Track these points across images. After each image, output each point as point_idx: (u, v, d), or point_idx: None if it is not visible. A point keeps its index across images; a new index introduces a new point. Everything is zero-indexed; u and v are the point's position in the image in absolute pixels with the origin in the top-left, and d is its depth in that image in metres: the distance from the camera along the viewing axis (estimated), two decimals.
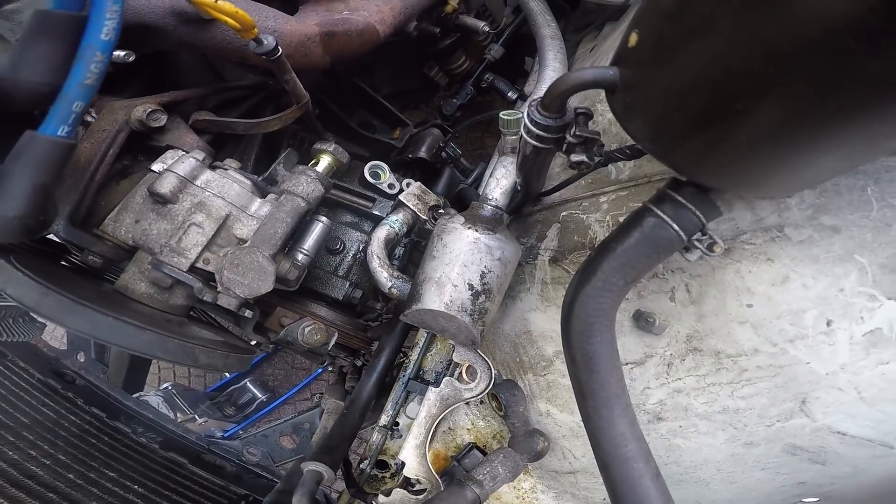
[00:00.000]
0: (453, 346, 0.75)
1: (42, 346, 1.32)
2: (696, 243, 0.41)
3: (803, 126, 0.29)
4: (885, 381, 0.44)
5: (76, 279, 0.56)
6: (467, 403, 0.77)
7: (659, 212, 0.39)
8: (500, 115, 0.58)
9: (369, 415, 1.00)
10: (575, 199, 0.62)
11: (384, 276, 0.65)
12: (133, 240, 0.53)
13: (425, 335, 0.89)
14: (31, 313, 0.99)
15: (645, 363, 0.54)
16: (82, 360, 1.33)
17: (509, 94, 1.07)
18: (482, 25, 1.06)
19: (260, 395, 1.59)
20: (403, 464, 0.75)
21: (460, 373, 0.70)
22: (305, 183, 0.57)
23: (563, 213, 0.63)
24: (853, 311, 0.42)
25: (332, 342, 0.70)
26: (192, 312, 0.61)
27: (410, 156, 0.98)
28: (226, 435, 1.36)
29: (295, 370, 1.67)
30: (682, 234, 0.39)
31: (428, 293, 0.58)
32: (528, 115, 0.43)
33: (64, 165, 0.36)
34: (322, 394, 1.48)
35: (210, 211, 0.51)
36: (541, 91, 0.80)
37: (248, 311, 0.55)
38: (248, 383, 1.59)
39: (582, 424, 0.60)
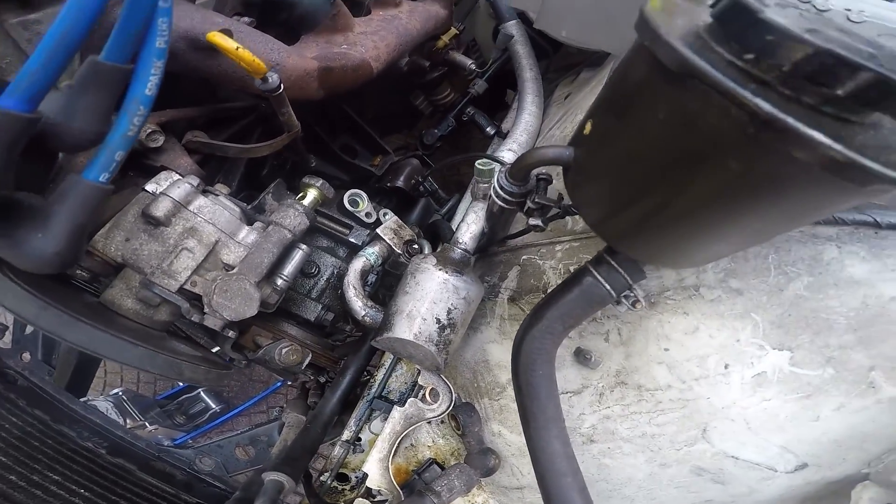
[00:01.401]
0: (418, 370, 0.83)
1: None
2: (624, 299, 0.52)
3: (696, 221, 0.39)
4: (767, 414, 0.55)
5: (62, 290, 0.61)
6: (429, 422, 0.86)
7: (595, 272, 0.50)
8: (476, 164, 0.68)
9: (330, 430, 1.07)
10: (535, 245, 0.73)
11: (359, 305, 0.73)
12: (122, 258, 0.58)
13: (391, 358, 0.97)
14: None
15: (581, 392, 0.65)
16: (27, 360, 1.32)
17: (487, 129, 1.17)
18: (469, 63, 1.16)
19: (213, 406, 1.60)
20: (366, 475, 0.83)
21: (424, 394, 0.79)
22: (293, 216, 0.65)
23: (524, 257, 0.74)
24: (745, 357, 0.54)
25: (307, 362, 0.77)
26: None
27: (389, 185, 1.07)
28: (175, 443, 1.38)
29: (252, 382, 1.70)
30: (612, 292, 0.50)
31: (399, 324, 0.67)
32: (498, 180, 0.53)
33: (100, 208, 0.42)
34: (281, 407, 1.52)
35: (201, 237, 0.58)
36: (515, 137, 0.91)
37: (230, 331, 0.62)
38: (202, 393, 1.61)
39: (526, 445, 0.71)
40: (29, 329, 1.33)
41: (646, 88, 0.35)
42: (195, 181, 0.60)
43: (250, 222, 0.65)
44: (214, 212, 0.60)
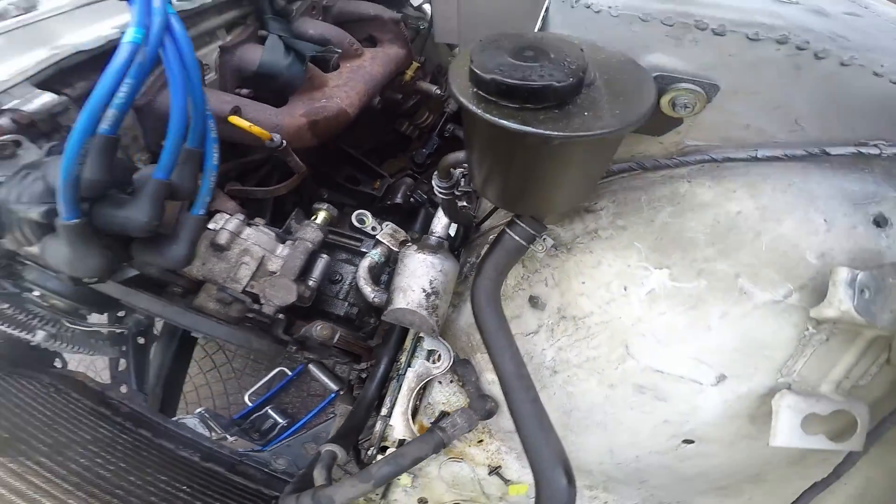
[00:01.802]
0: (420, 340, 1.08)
1: (88, 382, 1.68)
2: (540, 246, 0.76)
3: (528, 184, 0.61)
4: (667, 327, 0.72)
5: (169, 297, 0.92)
6: (440, 382, 1.09)
7: (508, 231, 0.74)
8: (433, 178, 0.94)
9: (372, 412, 1.34)
10: (498, 226, 0.97)
11: (368, 290, 1.00)
12: (202, 276, 0.89)
13: (411, 343, 1.23)
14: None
15: (538, 332, 0.86)
16: (125, 391, 1.68)
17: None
18: (434, 89, 1.44)
19: (281, 421, 1.91)
20: (393, 427, 1.08)
21: (431, 356, 1.04)
22: (311, 232, 0.94)
23: (491, 237, 0.98)
24: (636, 278, 0.73)
25: (336, 338, 1.04)
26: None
27: (389, 202, 1.35)
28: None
29: (310, 397, 2.00)
30: (523, 241, 0.74)
31: (396, 297, 0.93)
32: (433, 179, 0.80)
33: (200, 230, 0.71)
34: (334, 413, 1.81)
35: (252, 254, 0.88)
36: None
37: (280, 315, 0.90)
38: (269, 410, 1.92)
39: None
40: (122, 365, 1.68)
41: (464, 113, 0.59)
42: (241, 217, 0.90)
43: (283, 241, 0.95)
44: (258, 237, 0.90)
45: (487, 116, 0.49)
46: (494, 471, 1.10)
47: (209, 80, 0.99)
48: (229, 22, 1.01)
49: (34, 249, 0.62)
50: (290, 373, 2.00)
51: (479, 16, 1.01)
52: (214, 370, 2.06)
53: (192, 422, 1.66)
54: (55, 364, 1.61)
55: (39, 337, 0.93)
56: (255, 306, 0.86)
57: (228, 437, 1.69)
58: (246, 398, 1.98)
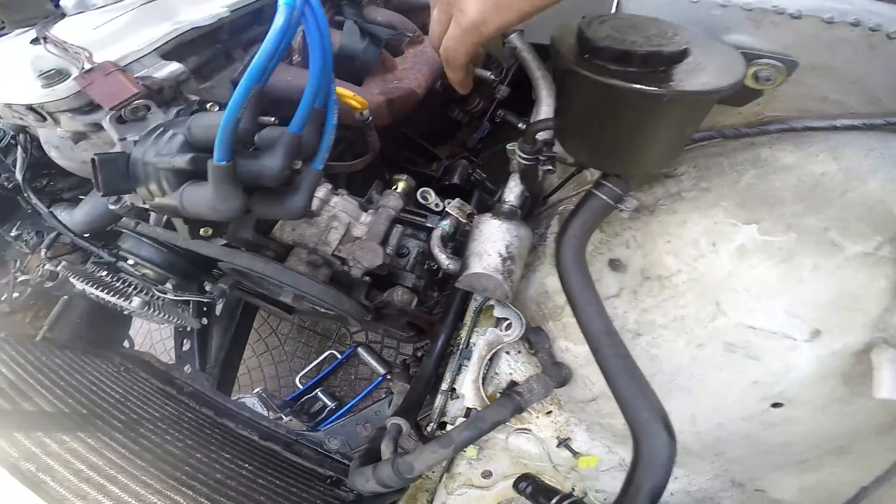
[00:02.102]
0: (491, 308, 1.13)
1: (154, 362, 1.78)
2: (625, 207, 0.80)
3: (631, 137, 0.66)
4: (759, 280, 0.74)
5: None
6: (507, 353, 1.13)
7: (595, 191, 0.78)
8: (507, 146, 0.99)
9: (430, 389, 1.40)
10: (567, 198, 1.01)
11: (443, 258, 1.05)
12: (293, 240, 0.95)
13: (472, 318, 1.28)
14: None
15: (620, 294, 0.89)
16: (188, 371, 1.78)
17: (519, 124, 1.47)
18: (489, 74, 1.48)
19: (330, 403, 1.98)
20: (463, 395, 1.12)
21: (501, 324, 1.08)
22: (393, 200, 1.00)
23: (560, 208, 1.02)
24: (725, 234, 0.75)
25: (414, 304, 1.09)
26: None
27: (447, 182, 1.40)
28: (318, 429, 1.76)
29: (357, 380, 2.07)
30: (610, 200, 0.78)
31: (472, 262, 0.97)
32: (518, 147, 0.84)
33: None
34: (388, 388, 1.86)
35: (340, 219, 0.94)
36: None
37: (366, 277, 0.96)
38: (319, 393, 2.00)
39: (589, 352, 0.96)
40: (186, 346, 1.78)
41: (565, 79, 0.65)
42: (329, 186, 0.96)
43: (365, 210, 1.01)
44: (345, 205, 0.96)
45: (601, 78, 0.55)
46: (563, 443, 1.13)
47: (295, 62, 1.06)
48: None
49: (166, 200, 0.69)
50: (339, 356, 2.07)
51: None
52: (267, 353, 2.15)
53: (250, 401, 1.74)
54: (124, 344, 1.72)
55: (135, 304, 1.01)
56: (344, 268, 0.92)
57: (283, 417, 1.76)
58: (297, 381, 2.06)
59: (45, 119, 0.74)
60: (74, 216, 1.13)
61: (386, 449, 1.16)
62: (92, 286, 0.99)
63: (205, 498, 1.24)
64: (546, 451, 1.16)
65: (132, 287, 1.03)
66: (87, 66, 0.69)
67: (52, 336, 1.46)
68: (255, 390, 1.79)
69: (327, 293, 0.85)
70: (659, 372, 0.89)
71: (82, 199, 1.22)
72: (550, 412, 1.14)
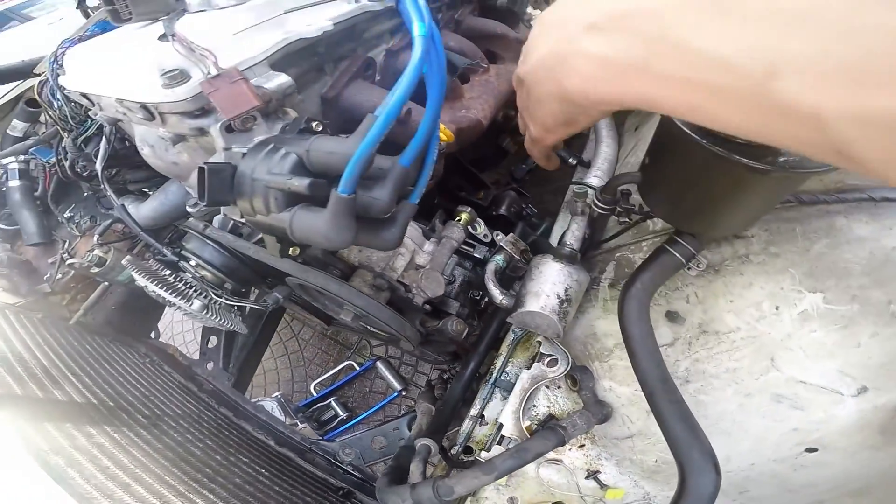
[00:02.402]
0: (538, 345, 1.15)
1: (177, 355, 1.78)
2: (693, 265, 0.83)
3: (718, 201, 0.70)
4: (817, 343, 0.79)
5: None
6: (547, 387, 1.15)
7: (668, 247, 0.82)
8: (573, 188, 1.02)
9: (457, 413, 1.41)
10: (625, 245, 1.05)
11: (497, 292, 1.08)
12: (358, 262, 0.98)
13: (507, 348, 1.30)
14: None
15: (674, 344, 0.93)
16: (211, 368, 1.78)
17: (570, 160, 1.51)
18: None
19: (341, 413, 1.98)
20: (502, 425, 1.14)
21: (547, 360, 1.10)
22: (457, 232, 1.02)
23: (617, 255, 1.05)
24: (790, 300, 0.80)
25: (465, 334, 1.11)
26: None
27: (494, 212, 1.43)
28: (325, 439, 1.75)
29: (371, 394, 2.07)
30: (682, 259, 0.81)
31: (528, 301, 1.00)
32: (596, 196, 0.88)
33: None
34: (408, 406, 1.86)
35: (407, 246, 0.96)
36: (598, 165, 1.25)
37: (427, 306, 0.98)
38: (333, 402, 1.99)
39: (636, 393, 0.99)
40: (212, 342, 1.78)
41: (672, 141, 0.67)
42: None
43: (428, 238, 1.03)
44: (412, 232, 0.99)
45: (713, 147, 0.58)
46: (593, 475, 1.15)
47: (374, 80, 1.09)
48: (393, 28, 1.12)
49: (269, 219, 0.71)
50: (357, 367, 2.07)
51: None
52: (285, 356, 2.15)
53: (269, 405, 1.74)
54: (151, 335, 1.72)
55: (195, 306, 1.02)
56: (407, 295, 0.94)
57: (299, 423, 1.76)
58: (312, 387, 2.05)
59: (152, 118, 0.76)
60: (141, 210, 1.15)
61: (416, 469, 1.18)
62: (155, 283, 1.00)
63: (223, 501, 1.24)
64: (574, 481, 1.19)
65: (192, 289, 1.04)
66: (214, 71, 0.70)
67: (85, 321, 1.46)
68: (275, 394, 1.78)
69: (394, 319, 0.87)
70: (703, 416, 0.95)
71: (146, 192, 1.24)
72: (583, 445, 1.17)
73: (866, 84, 0.28)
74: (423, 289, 0.92)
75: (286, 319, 2.16)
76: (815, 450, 0.86)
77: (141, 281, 1.04)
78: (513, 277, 1.30)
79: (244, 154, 0.73)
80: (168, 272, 1.04)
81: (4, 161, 1.30)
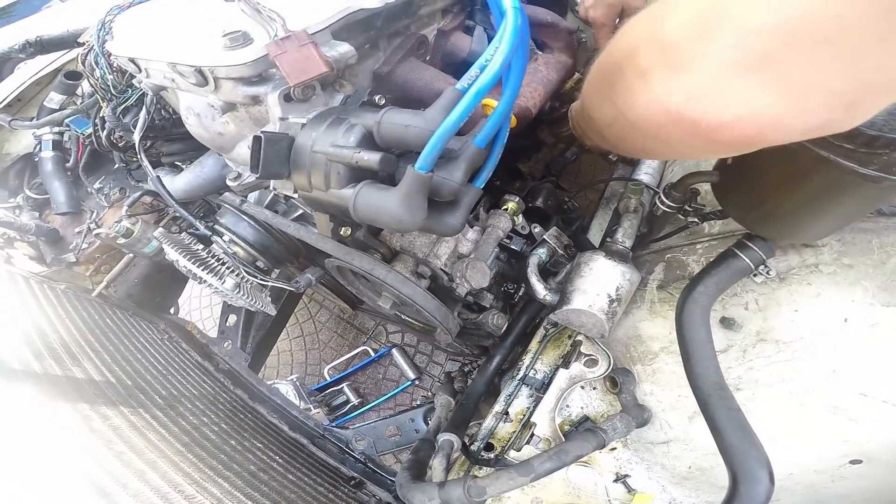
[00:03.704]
0: (572, 344, 1.10)
1: (195, 333, 1.73)
2: (760, 272, 0.79)
3: (808, 206, 0.66)
4: (885, 356, 0.76)
5: None
6: (582, 387, 1.11)
7: (738, 251, 0.77)
8: (629, 184, 0.97)
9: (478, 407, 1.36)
10: (676, 246, 1.00)
11: (540, 287, 1.03)
12: (400, 247, 0.93)
13: (538, 345, 1.25)
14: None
15: (727, 351, 0.89)
16: (229, 347, 1.73)
17: (610, 155, 1.45)
18: None
19: (353, 400, 1.94)
20: (535, 424, 1.09)
21: (586, 360, 1.06)
22: (503, 221, 0.97)
23: (668, 256, 1.01)
24: (860, 312, 0.76)
25: (504, 328, 1.06)
26: None
27: (529, 204, 1.38)
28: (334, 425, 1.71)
29: (384, 381, 2.03)
30: (751, 264, 0.76)
31: (576, 298, 0.95)
32: (664, 192, 0.83)
33: None
34: (425, 397, 1.82)
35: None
36: (647, 162, 1.19)
37: (469, 297, 0.93)
38: (346, 387, 1.95)
39: (679, 398, 0.95)
40: (231, 321, 1.73)
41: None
42: None
43: (471, 226, 0.98)
44: None
45: (828, 154, 0.55)
46: (622, 479, 1.11)
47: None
48: (445, 7, 1.06)
49: (327, 195, 0.66)
50: (373, 353, 2.03)
51: None
52: (301, 338, 2.11)
53: (284, 388, 1.70)
54: (170, 311, 1.67)
55: (229, 284, 0.98)
56: (450, 285, 0.90)
57: (312, 408, 1.72)
58: (325, 371, 2.01)
59: (205, 84, 0.71)
60: (175, 183, 1.10)
61: (439, 465, 1.14)
62: (187, 258, 0.95)
63: (239, 492, 1.19)
64: (603, 484, 1.15)
65: (224, 266, 0.99)
66: (282, 34, 0.65)
67: (107, 293, 1.42)
68: (290, 377, 1.75)
69: (440, 310, 0.83)
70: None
71: (178, 165, 1.19)
72: (615, 448, 1.13)
73: None
74: (468, 279, 0.87)
75: (304, 301, 2.12)
76: (859, 461, 0.84)
77: (172, 255, 1.00)
78: (550, 272, 1.25)
79: (303, 125, 0.67)
80: (201, 247, 1.00)
81: (39, 132, 1.26)
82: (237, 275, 1.01)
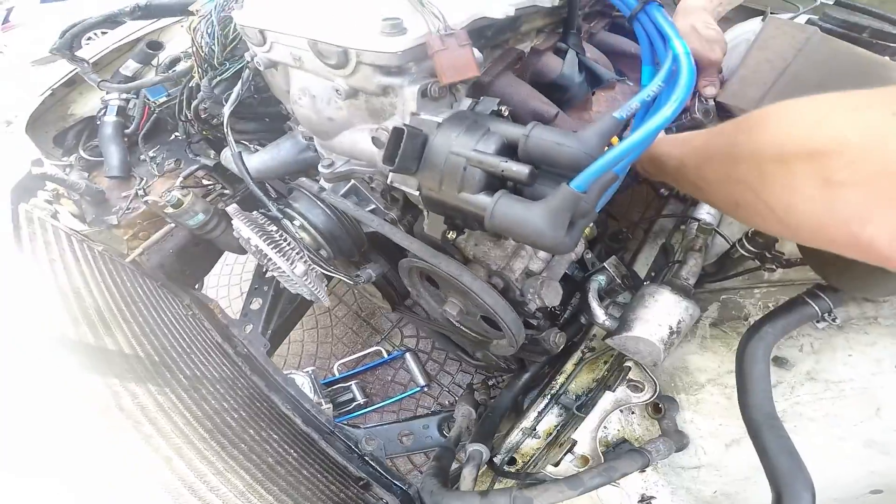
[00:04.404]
0: (615, 370, 1.14)
1: (218, 312, 1.68)
2: (825, 318, 0.85)
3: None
4: None
5: None
6: (621, 411, 1.15)
7: (808, 299, 0.83)
8: (700, 224, 1.03)
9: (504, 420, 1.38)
10: (733, 288, 1.06)
11: (601, 312, 1.07)
12: (474, 255, 0.95)
13: (573, 367, 1.28)
14: None
15: (776, 387, 0.94)
16: (249, 331, 1.69)
17: (661, 190, 1.47)
18: None
19: (360, 399, 1.92)
20: (575, 442, 1.12)
21: (633, 385, 1.10)
22: (579, 245, 1.01)
23: (723, 297, 1.07)
24: None
25: (562, 347, 1.09)
26: None
27: None
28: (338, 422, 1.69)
29: (392, 384, 2.02)
30: (818, 311, 0.82)
31: (638, 326, 0.99)
32: (746, 237, 0.88)
33: None
34: (450, 403, 1.81)
35: (527, 249, 0.94)
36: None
37: (539, 313, 0.96)
38: (353, 385, 1.93)
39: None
40: (255, 305, 1.70)
41: None
42: None
43: None
44: None
45: None
46: (647, 501, 1.14)
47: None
48: (543, 27, 1.10)
49: (451, 197, 0.68)
50: (386, 355, 2.01)
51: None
52: (315, 330, 2.07)
53: (300, 380, 1.67)
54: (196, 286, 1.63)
55: (299, 270, 0.97)
56: (521, 299, 0.92)
57: (324, 403, 1.70)
58: (335, 367, 1.99)
59: (344, 66, 0.71)
60: (251, 162, 1.09)
61: (468, 475, 1.15)
62: (262, 237, 0.95)
63: (260, 485, 1.17)
64: None
65: (294, 250, 0.99)
66: (444, 30, 0.66)
67: (140, 260, 1.38)
68: (307, 369, 1.72)
69: (517, 323, 0.85)
70: None
71: (246, 145, 1.18)
72: (644, 470, 1.16)
73: None
74: (542, 297, 0.90)
75: None
76: (879, 491, 0.88)
77: (245, 233, 0.99)
78: (602, 298, 1.29)
79: (439, 124, 0.69)
80: (274, 228, 0.99)
81: (108, 96, 1.24)
82: (305, 261, 1.01)
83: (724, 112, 1.33)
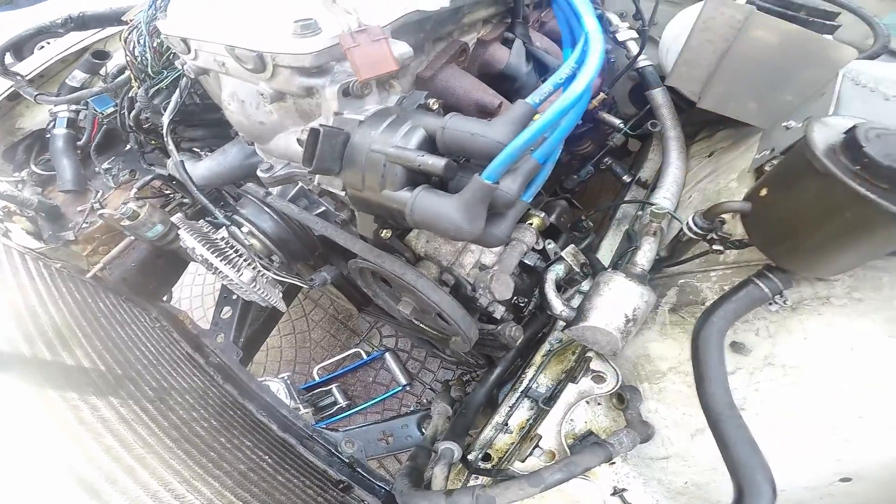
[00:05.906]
0: (579, 360, 1.12)
1: (187, 323, 1.67)
2: (775, 301, 0.82)
3: (836, 241, 0.69)
4: (885, 383, 0.80)
5: None
6: (587, 402, 1.13)
7: (757, 280, 0.81)
8: (653, 209, 1.00)
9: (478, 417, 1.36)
10: (690, 272, 1.03)
11: (558, 303, 1.05)
12: (424, 253, 0.93)
13: (542, 360, 1.26)
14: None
15: (735, 373, 0.92)
16: (221, 341, 1.68)
17: (624, 177, 1.48)
18: (618, 123, 1.46)
19: (341, 401, 1.90)
20: (540, 437, 1.10)
21: (595, 376, 1.08)
22: (529, 236, 0.99)
23: (681, 281, 1.04)
24: (867, 342, 0.80)
25: (519, 340, 1.07)
26: None
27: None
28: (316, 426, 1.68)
29: (374, 385, 2.00)
30: (768, 293, 0.80)
31: (594, 316, 0.97)
32: (693, 219, 0.86)
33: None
34: (425, 403, 1.80)
35: (472, 246, 0.92)
36: (666, 187, 1.21)
37: (500, 307, 0.94)
38: (334, 388, 1.92)
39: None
40: (226, 314, 1.68)
41: (805, 176, 0.67)
42: None
43: None
44: None
45: (872, 196, 0.58)
46: (619, 493, 1.13)
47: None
48: (487, 17, 1.07)
49: (378, 196, 0.66)
50: (365, 356, 2.00)
51: (740, 79, 1.03)
52: (292, 335, 2.06)
53: (275, 386, 1.65)
54: (163, 299, 1.61)
55: (246, 277, 0.96)
56: (473, 294, 0.90)
57: (302, 408, 1.68)
58: (315, 371, 1.97)
59: (262, 70, 0.69)
60: (196, 169, 1.07)
61: (440, 473, 1.14)
62: (206, 247, 0.93)
63: (230, 492, 1.15)
64: (601, 498, 1.17)
65: (242, 258, 0.97)
66: (356, 27, 0.64)
67: (102, 275, 1.36)
68: (282, 375, 1.70)
69: (465, 319, 0.84)
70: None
71: (196, 152, 1.16)
72: (614, 463, 1.15)
73: None
74: (493, 291, 0.89)
75: (299, 298, 2.07)
76: (849, 479, 0.88)
77: (189, 243, 0.97)
78: (563, 288, 1.27)
79: (360, 122, 0.67)
80: (220, 236, 0.97)
81: (56, 108, 1.23)
82: (254, 268, 0.99)
83: (674, 94, 1.29)
